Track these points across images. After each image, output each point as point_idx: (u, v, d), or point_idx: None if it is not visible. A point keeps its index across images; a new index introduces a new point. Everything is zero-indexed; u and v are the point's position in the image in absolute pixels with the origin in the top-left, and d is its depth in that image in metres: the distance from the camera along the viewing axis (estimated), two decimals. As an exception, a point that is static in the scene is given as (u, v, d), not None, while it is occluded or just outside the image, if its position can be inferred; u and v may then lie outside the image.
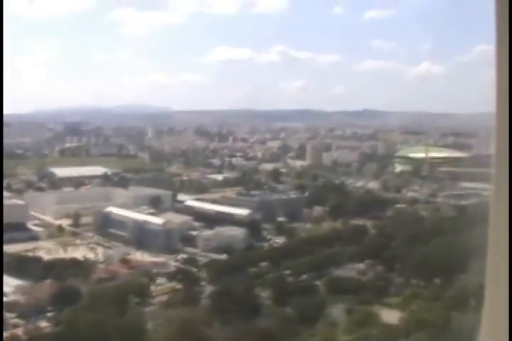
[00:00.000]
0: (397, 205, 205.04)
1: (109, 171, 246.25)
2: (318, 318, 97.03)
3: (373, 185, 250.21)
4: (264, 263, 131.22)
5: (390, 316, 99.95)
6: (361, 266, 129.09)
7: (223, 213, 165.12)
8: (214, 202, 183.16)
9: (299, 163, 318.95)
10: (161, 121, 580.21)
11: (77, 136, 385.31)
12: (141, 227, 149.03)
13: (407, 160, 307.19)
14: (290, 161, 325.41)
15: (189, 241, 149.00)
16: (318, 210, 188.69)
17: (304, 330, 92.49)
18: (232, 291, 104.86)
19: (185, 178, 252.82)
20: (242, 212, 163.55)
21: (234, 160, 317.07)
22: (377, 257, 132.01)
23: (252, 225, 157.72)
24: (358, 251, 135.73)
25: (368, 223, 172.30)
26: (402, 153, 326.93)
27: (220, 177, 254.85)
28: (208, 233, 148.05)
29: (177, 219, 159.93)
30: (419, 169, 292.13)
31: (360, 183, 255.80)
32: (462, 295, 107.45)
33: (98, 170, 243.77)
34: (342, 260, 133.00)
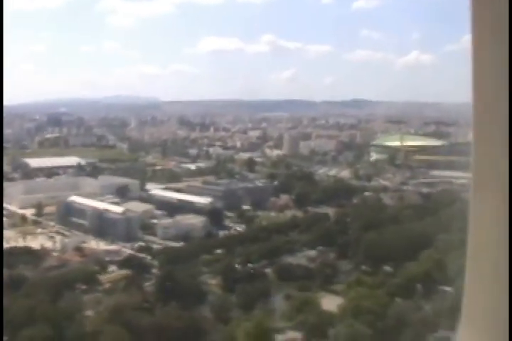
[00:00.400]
0: (365, 193, 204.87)
1: (83, 161, 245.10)
2: (260, 305, 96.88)
3: (345, 173, 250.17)
4: (218, 251, 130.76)
5: (332, 303, 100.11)
6: (313, 253, 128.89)
7: (185, 201, 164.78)
8: (179, 191, 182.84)
9: (276, 153, 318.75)
10: (148, 112, 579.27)
11: (59, 126, 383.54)
12: (100, 216, 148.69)
13: (383, 148, 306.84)
14: (268, 150, 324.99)
15: (148, 229, 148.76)
16: (284, 199, 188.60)
17: (242, 316, 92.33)
18: (177, 278, 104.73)
19: (158, 168, 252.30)
20: (203, 200, 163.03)
21: (211, 150, 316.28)
22: (331, 244, 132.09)
23: (212, 213, 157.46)
24: (313, 238, 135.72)
25: (332, 211, 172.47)
26: (378, 141, 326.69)
27: (193, 166, 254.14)
28: (166, 221, 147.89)
29: (139, 207, 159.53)
30: (394, 157, 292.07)
31: (333, 172, 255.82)
32: (407, 283, 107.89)
33: (72, 160, 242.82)
34: (295, 247, 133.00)
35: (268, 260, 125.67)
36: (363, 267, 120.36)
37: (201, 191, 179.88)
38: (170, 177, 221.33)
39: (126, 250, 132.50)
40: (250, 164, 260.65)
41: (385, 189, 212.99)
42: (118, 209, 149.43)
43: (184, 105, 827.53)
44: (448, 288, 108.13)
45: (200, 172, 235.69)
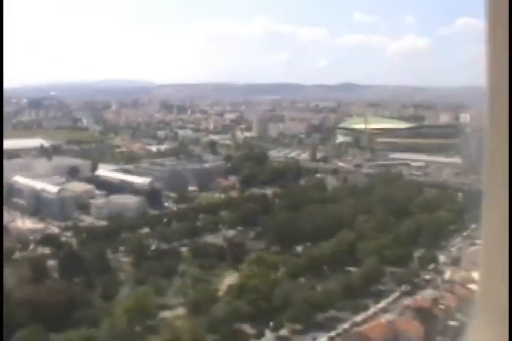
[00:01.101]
0: (316, 175, 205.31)
1: (47, 143, 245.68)
2: (155, 282, 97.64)
3: (305, 155, 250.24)
4: (142, 230, 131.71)
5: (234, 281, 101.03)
6: (232, 232, 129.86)
7: (126, 182, 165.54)
8: (128, 171, 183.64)
9: (246, 135, 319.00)
10: (137, 96, 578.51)
11: (39, 109, 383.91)
12: (37, 196, 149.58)
13: (349, 131, 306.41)
14: (238, 133, 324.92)
15: (85, 208, 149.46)
16: (230, 180, 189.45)
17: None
18: (83, 255, 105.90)
19: (122, 149, 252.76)
20: (142, 181, 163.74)
21: (182, 132, 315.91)
22: (253, 224, 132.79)
23: (150, 193, 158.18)
24: (238, 218, 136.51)
25: (274, 191, 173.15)
26: (345, 124, 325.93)
27: (155, 148, 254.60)
28: (100, 201, 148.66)
29: (80, 188, 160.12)
30: (358, 140, 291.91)
31: (293, 154, 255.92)
32: (311, 263, 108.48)
33: (36, 142, 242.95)
34: (218, 227, 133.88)
35: (189, 239, 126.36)
36: (274, 247, 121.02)
37: (147, 172, 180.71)
38: (129, 159, 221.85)
39: (55, 229, 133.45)
40: (212, 146, 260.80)
41: (335, 171, 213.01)
42: (53, 189, 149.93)
43: (174, 89, 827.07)
44: (353, 269, 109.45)
45: (160, 154, 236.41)
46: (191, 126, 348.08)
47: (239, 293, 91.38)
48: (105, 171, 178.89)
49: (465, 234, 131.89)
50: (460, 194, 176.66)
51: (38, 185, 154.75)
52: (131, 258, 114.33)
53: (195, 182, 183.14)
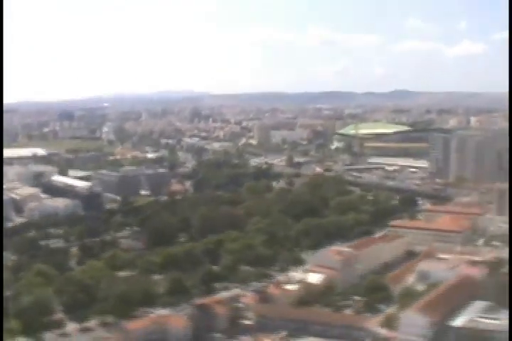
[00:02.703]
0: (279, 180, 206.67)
1: (44, 152, 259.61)
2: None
3: (281, 161, 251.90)
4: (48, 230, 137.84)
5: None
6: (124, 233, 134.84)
7: (70, 186, 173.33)
8: (86, 178, 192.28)
9: (249, 141, 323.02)
10: (185, 105, 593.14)
11: (70, 120, 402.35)
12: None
13: (343, 137, 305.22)
14: (244, 140, 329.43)
15: (20, 210, 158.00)
16: (180, 185, 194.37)
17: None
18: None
19: (116, 157, 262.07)
20: (82, 185, 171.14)
21: (188, 140, 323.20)
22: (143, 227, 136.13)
23: (88, 197, 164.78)
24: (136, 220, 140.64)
25: (223, 195, 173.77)
26: (342, 130, 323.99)
27: (148, 155, 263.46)
28: (33, 204, 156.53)
29: (27, 191, 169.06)
30: (350, 145, 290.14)
31: (275, 160, 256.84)
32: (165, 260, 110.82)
33: (30, 151, 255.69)
34: (115, 228, 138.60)
35: (88, 238, 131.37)
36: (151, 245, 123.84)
37: (101, 177, 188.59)
38: (115, 166, 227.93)
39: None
40: (200, 153, 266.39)
41: (297, 175, 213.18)
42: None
43: (224, 98, 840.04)
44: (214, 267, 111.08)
45: (149, 161, 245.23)
46: (204, 134, 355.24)
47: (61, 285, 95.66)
48: (60, 177, 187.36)
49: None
50: (398, 196, 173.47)
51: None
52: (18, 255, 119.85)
53: (149, 186, 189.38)
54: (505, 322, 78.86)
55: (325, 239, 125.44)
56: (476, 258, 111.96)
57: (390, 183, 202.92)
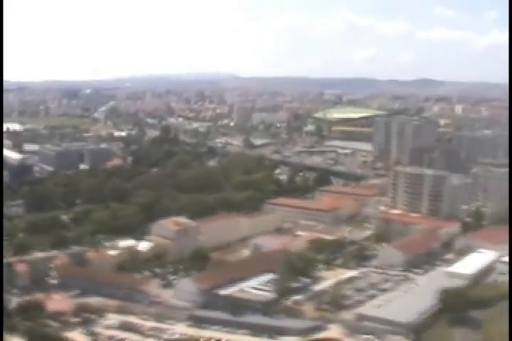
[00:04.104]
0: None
1: (19, 127, 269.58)
2: None
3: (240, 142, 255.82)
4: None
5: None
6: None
7: (8, 158, 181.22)
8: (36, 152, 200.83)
9: (230, 123, 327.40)
10: (205, 87, 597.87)
11: (70, 99, 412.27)
12: None
13: (316, 120, 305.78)
14: (225, 121, 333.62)
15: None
16: (125, 160, 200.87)
17: None
18: None
19: (89, 134, 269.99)
20: (15, 156, 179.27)
21: (172, 120, 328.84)
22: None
23: (19, 168, 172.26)
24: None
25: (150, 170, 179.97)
26: (318, 114, 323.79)
27: (115, 133, 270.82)
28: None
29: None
30: (320, 128, 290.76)
31: (235, 141, 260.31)
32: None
33: (9, 126, 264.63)
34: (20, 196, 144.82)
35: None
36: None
37: (46, 151, 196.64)
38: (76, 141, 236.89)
39: None
40: (167, 132, 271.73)
41: (242, 154, 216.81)
42: None
43: (244, 81, 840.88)
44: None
45: (119, 138, 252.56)
46: (192, 114, 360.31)
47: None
48: (6, 151, 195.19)
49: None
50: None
51: None
52: None
53: (90, 161, 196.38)
54: (271, 294, 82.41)
55: (204, 213, 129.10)
56: (327, 237, 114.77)
57: (324, 165, 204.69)
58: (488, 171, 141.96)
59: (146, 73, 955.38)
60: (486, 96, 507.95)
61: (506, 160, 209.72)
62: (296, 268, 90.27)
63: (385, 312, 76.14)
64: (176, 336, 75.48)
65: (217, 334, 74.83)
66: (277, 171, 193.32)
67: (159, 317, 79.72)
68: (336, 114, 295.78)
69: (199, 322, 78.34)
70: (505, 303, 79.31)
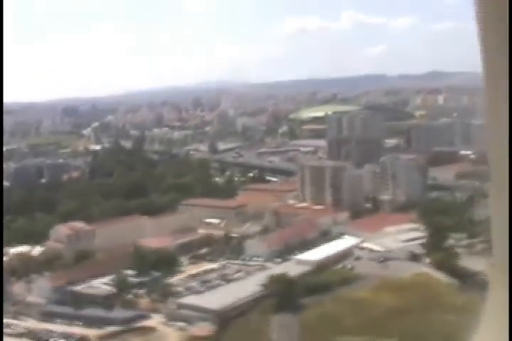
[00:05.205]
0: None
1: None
2: None
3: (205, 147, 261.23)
4: None
5: None
6: None
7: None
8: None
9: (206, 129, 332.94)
10: (208, 96, 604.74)
11: (70, 116, 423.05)
12: None
13: (288, 121, 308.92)
14: (208, 127, 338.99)
15: None
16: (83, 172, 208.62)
17: None
18: None
19: (67, 150, 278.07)
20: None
21: (155, 130, 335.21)
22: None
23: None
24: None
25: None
26: (292, 115, 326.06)
27: (91, 147, 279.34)
28: None
29: None
30: (292, 128, 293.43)
31: (203, 147, 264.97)
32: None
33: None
34: None
35: None
36: None
37: (8, 168, 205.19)
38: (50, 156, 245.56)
39: None
40: (141, 143, 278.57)
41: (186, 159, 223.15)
42: None
43: (252, 87, 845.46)
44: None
45: (92, 153, 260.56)
46: (178, 124, 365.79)
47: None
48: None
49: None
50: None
51: None
52: None
53: (47, 176, 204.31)
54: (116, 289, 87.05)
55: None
56: (216, 232, 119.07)
57: (275, 165, 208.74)
58: (394, 159, 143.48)
59: (160, 85, 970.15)
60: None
61: (457, 148, 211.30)
62: (153, 264, 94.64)
63: (204, 300, 79.79)
64: (21, 330, 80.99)
65: (54, 327, 79.99)
66: (228, 173, 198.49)
67: (15, 314, 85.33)
68: (309, 113, 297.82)
69: (47, 316, 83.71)
70: (345, 288, 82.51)
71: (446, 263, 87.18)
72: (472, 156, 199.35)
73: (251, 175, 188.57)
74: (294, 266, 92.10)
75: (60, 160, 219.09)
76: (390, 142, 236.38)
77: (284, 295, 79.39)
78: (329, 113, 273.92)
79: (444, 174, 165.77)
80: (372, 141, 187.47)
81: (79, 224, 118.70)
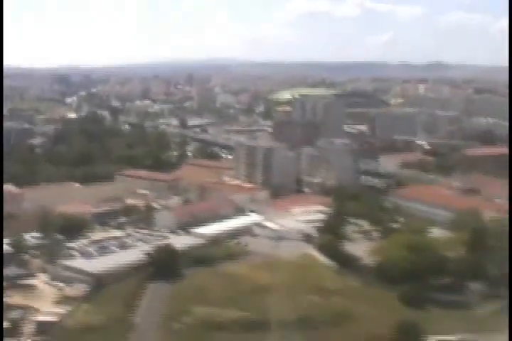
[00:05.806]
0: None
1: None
2: None
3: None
4: None
5: None
6: None
7: None
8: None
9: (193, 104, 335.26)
10: (210, 72, 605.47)
11: (60, 84, 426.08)
12: None
13: (268, 101, 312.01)
14: (187, 103, 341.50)
15: None
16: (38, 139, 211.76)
17: None
18: None
19: (44, 116, 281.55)
20: None
21: (137, 103, 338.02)
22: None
23: None
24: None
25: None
26: (270, 95, 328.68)
27: (71, 115, 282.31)
28: None
29: None
30: (269, 109, 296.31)
31: (175, 122, 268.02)
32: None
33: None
34: None
35: None
36: None
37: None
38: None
39: None
40: (116, 113, 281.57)
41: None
42: None
43: (256, 66, 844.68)
44: None
45: (63, 120, 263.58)
46: (162, 97, 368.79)
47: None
48: None
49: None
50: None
51: None
52: None
53: (14, 140, 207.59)
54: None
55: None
56: (141, 203, 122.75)
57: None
58: (329, 143, 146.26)
59: (159, 60, 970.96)
60: (491, 80, 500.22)
61: (416, 138, 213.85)
62: (60, 228, 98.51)
63: (89, 264, 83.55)
64: None
65: None
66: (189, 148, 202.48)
67: None
68: (285, 94, 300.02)
69: None
70: (229, 263, 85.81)
71: (331, 247, 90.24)
72: (426, 147, 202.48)
73: (207, 151, 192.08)
74: (190, 239, 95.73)
75: (26, 126, 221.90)
76: (357, 128, 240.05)
77: (164, 265, 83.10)
78: (296, 96, 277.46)
79: (389, 162, 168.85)
80: (327, 126, 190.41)
81: (9, 187, 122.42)
